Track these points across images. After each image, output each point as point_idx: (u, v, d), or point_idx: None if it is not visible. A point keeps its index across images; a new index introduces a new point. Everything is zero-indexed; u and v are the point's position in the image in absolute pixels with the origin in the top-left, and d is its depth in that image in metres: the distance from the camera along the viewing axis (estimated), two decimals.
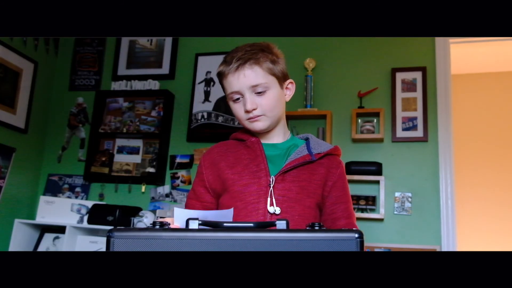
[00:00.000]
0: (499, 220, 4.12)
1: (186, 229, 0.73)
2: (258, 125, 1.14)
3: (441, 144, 2.67)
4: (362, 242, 0.69)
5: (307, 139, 1.22)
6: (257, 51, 1.12)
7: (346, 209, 1.17)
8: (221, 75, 1.16)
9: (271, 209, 1.08)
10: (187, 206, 1.21)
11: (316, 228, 0.74)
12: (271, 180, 1.11)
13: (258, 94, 1.12)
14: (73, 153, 3.26)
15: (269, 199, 1.09)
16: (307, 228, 0.75)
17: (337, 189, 1.17)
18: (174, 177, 3.02)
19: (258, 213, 1.09)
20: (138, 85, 3.16)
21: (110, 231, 0.70)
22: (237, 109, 1.15)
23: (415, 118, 2.74)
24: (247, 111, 1.12)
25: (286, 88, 1.20)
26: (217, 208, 1.18)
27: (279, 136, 1.21)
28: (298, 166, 1.13)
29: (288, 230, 0.73)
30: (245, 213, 1.09)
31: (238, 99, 1.13)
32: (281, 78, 1.16)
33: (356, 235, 0.69)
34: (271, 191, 1.10)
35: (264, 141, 1.19)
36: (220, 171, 1.16)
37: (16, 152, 3.00)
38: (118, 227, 0.72)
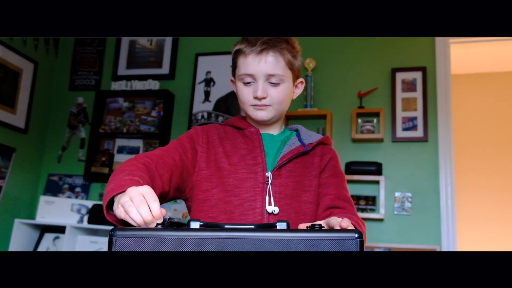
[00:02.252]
0: (499, 220, 4.12)
1: (188, 228, 0.73)
2: (262, 114, 1.11)
3: (441, 144, 2.67)
4: (362, 242, 0.69)
5: (297, 130, 1.20)
6: (282, 40, 1.09)
7: (334, 185, 1.11)
8: (240, 53, 1.10)
9: (269, 209, 1.05)
10: (169, 152, 1.07)
11: (316, 228, 0.74)
12: (268, 177, 1.08)
13: (272, 84, 1.08)
14: (73, 153, 3.26)
15: (267, 197, 1.06)
16: (307, 228, 0.75)
17: (327, 170, 1.14)
18: None
19: (255, 212, 1.05)
20: (138, 85, 3.16)
21: (112, 230, 0.70)
22: (245, 92, 1.10)
23: (415, 118, 2.74)
24: (256, 98, 1.08)
25: (295, 86, 1.17)
26: (182, 179, 1.07)
27: (276, 129, 1.19)
28: (293, 158, 1.11)
29: (288, 230, 0.73)
30: (241, 210, 1.06)
31: (249, 82, 1.09)
32: (296, 75, 1.15)
33: (356, 235, 0.69)
34: (269, 188, 1.07)
35: (262, 131, 1.16)
36: (217, 156, 1.11)
37: (16, 152, 3.00)
38: (120, 226, 0.72)
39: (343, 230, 0.73)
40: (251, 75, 1.08)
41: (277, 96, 1.09)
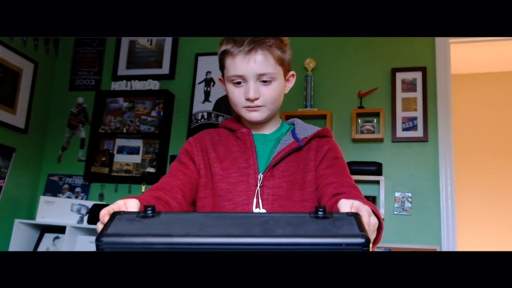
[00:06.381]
0: (499, 220, 4.12)
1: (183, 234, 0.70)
2: (255, 115, 1.07)
3: (441, 144, 2.67)
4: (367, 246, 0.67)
5: (293, 125, 1.16)
6: (269, 37, 1.05)
7: (334, 174, 1.05)
8: (227, 54, 1.06)
9: (256, 211, 1.01)
10: (172, 176, 1.08)
11: (320, 213, 0.69)
12: (259, 179, 1.05)
13: (263, 83, 1.04)
14: (73, 153, 3.26)
15: (255, 199, 1.03)
16: (311, 217, 0.70)
17: (325, 162, 1.09)
18: None
19: None
20: (138, 85, 3.16)
21: (98, 238, 0.62)
22: (237, 93, 1.06)
23: (415, 118, 2.74)
24: (248, 99, 1.05)
25: (287, 80, 1.14)
26: (195, 191, 1.10)
27: (270, 128, 1.15)
28: (286, 156, 1.07)
29: (288, 235, 0.71)
30: None
31: (239, 83, 1.05)
32: (287, 70, 1.11)
33: (362, 240, 0.67)
34: (257, 191, 1.04)
35: (254, 131, 1.13)
36: (210, 162, 1.10)
37: (16, 152, 3.00)
38: (106, 232, 0.64)
39: (347, 235, 0.68)
40: (241, 76, 1.04)
41: (269, 95, 1.06)
